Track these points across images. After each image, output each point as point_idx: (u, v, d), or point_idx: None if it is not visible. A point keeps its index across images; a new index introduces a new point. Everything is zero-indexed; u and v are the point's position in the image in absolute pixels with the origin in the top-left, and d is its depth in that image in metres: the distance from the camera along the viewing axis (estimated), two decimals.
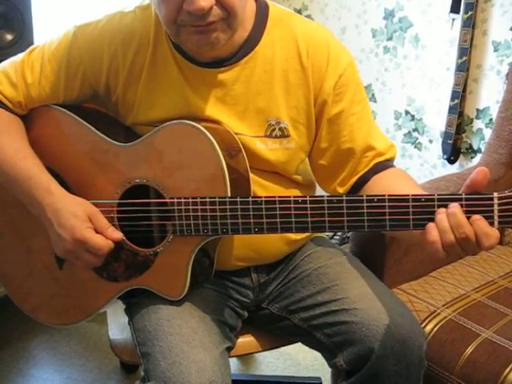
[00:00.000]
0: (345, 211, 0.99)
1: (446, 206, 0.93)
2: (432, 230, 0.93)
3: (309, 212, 1.01)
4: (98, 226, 1.08)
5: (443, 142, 2.28)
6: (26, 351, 2.04)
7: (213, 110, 1.13)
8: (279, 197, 1.02)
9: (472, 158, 2.25)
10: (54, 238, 1.10)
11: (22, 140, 1.17)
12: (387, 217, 0.97)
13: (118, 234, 1.09)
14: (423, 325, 1.33)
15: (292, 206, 1.01)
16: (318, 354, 1.24)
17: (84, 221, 1.07)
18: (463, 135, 2.25)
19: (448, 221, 0.92)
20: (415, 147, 2.44)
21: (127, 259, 1.14)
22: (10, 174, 1.13)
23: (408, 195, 0.96)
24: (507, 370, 1.19)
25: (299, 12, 2.69)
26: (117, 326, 1.35)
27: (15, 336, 2.10)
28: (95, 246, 1.06)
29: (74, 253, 1.08)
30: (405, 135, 2.46)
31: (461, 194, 0.93)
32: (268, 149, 1.16)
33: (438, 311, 1.37)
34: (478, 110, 2.19)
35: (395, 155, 1.24)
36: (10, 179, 1.13)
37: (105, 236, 1.07)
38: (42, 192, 1.10)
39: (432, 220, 0.94)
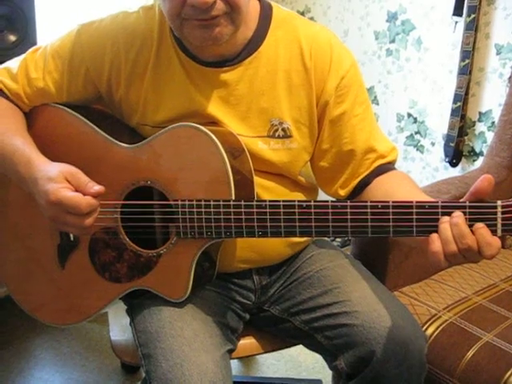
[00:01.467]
0: (349, 217, 0.99)
1: (449, 214, 0.93)
2: (435, 241, 0.93)
3: (313, 217, 1.01)
4: (76, 185, 1.02)
5: (445, 144, 2.28)
6: (27, 351, 2.04)
7: (216, 109, 1.14)
8: (283, 201, 1.02)
9: (474, 160, 2.25)
10: (41, 210, 1.06)
11: (15, 122, 1.17)
12: (391, 223, 0.97)
13: (98, 188, 1.02)
14: (424, 328, 1.33)
15: (296, 210, 1.01)
16: (319, 357, 1.24)
17: (59, 182, 1.01)
18: (465, 138, 2.25)
19: (451, 231, 0.91)
20: (417, 150, 2.44)
21: (130, 260, 1.14)
22: None
23: (412, 202, 0.96)
24: (508, 373, 1.19)
25: (302, 14, 2.70)
26: (118, 326, 1.35)
27: (16, 336, 2.10)
28: (71, 203, 0.99)
29: (57, 218, 1.02)
30: (407, 138, 2.46)
31: (465, 202, 0.93)
32: (270, 149, 1.16)
33: (439, 314, 1.37)
34: (480, 112, 2.19)
35: (397, 158, 1.24)
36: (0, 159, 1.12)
37: (84, 193, 1.01)
38: (24, 165, 1.07)
39: (435, 227, 0.94)
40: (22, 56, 1.21)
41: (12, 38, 1.80)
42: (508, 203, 0.90)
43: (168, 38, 1.14)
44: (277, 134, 1.16)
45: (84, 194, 1.01)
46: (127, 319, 1.24)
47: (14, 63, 1.21)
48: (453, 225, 0.92)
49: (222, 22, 1.02)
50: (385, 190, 1.15)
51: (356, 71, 1.19)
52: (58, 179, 1.01)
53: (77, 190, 1.02)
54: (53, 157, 1.12)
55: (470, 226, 0.91)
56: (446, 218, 0.93)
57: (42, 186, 1.02)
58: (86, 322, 1.24)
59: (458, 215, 0.92)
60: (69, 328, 2.12)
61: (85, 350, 2.05)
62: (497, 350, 1.25)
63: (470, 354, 1.25)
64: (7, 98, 1.19)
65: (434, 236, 0.93)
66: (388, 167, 1.21)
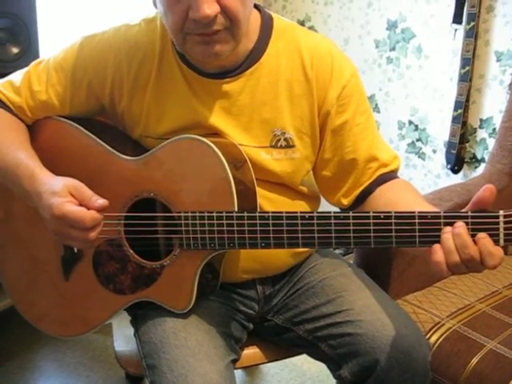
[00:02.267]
0: (351, 228, 0.99)
1: (452, 224, 0.93)
2: (438, 251, 0.93)
3: (315, 228, 1.01)
4: (81, 198, 1.03)
5: (447, 151, 2.28)
6: (31, 362, 2.04)
7: (218, 120, 1.15)
8: (286, 212, 1.03)
9: (476, 167, 2.25)
10: (46, 224, 1.07)
11: (19, 136, 1.17)
12: (393, 233, 0.97)
13: (102, 201, 1.03)
14: (428, 336, 1.33)
15: (299, 221, 1.02)
16: (322, 366, 1.24)
17: (63, 196, 1.01)
18: (467, 145, 2.26)
19: (453, 241, 0.92)
20: (419, 157, 2.44)
21: (134, 272, 1.15)
22: (2, 166, 1.12)
23: (414, 212, 0.96)
24: None
25: (302, 23, 2.71)
26: (122, 337, 1.35)
27: (21, 347, 2.10)
28: (75, 218, 1.00)
29: (61, 232, 1.03)
30: (408, 145, 2.47)
31: (467, 212, 0.93)
32: (273, 159, 1.17)
33: (443, 322, 1.38)
34: (481, 119, 2.20)
35: (399, 166, 1.24)
36: (2, 172, 1.13)
37: (88, 207, 1.02)
38: (28, 179, 1.08)
39: (438, 237, 0.94)
40: (25, 69, 1.22)
41: (14, 50, 1.81)
42: (510, 213, 0.90)
43: (170, 50, 1.15)
44: (279, 144, 1.17)
45: (88, 208, 1.02)
46: (131, 330, 1.24)
47: (17, 76, 1.21)
48: (455, 235, 0.92)
49: (223, 38, 1.03)
50: (387, 198, 1.16)
51: (357, 81, 1.20)
52: (62, 193, 1.02)
53: (81, 204, 1.02)
54: (56, 170, 1.12)
55: (473, 236, 0.91)
56: (448, 229, 0.93)
57: (46, 200, 1.03)
58: (90, 332, 1.24)
59: (460, 225, 0.92)
60: (73, 339, 2.11)
61: (89, 360, 2.05)
62: (501, 357, 1.25)
63: (474, 361, 1.25)
64: (10, 111, 1.20)
65: (437, 246, 0.93)
66: (390, 176, 1.21)
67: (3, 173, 1.13)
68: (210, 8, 0.98)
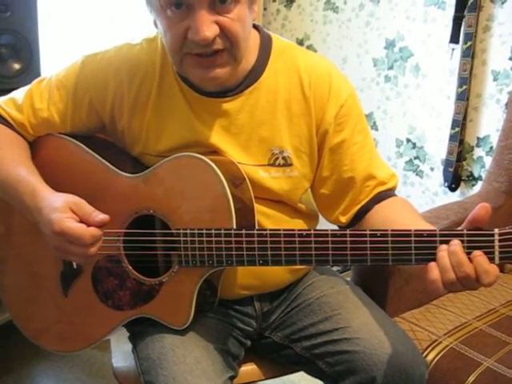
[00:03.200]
0: (348, 245, 1.00)
1: (447, 242, 0.94)
2: (433, 269, 0.93)
3: (313, 245, 1.02)
4: (81, 214, 1.03)
5: (444, 169, 2.29)
6: (29, 378, 2.03)
7: (217, 138, 1.16)
8: (284, 230, 1.04)
9: (473, 185, 2.26)
10: (46, 239, 1.08)
11: (21, 152, 1.18)
12: (390, 251, 0.98)
13: (102, 217, 1.03)
14: (425, 353, 1.33)
15: (297, 239, 1.03)
16: (320, 383, 1.24)
17: (63, 212, 1.02)
18: (464, 163, 2.27)
19: (449, 259, 0.92)
20: (417, 175, 2.46)
21: (132, 288, 1.15)
22: (3, 181, 1.13)
23: (410, 230, 0.97)
24: None
25: (301, 41, 2.74)
26: (120, 353, 1.35)
27: (18, 362, 2.09)
28: (74, 235, 1.00)
29: (61, 248, 1.04)
30: (406, 163, 2.48)
31: (462, 230, 0.94)
32: (271, 177, 1.18)
33: (440, 340, 1.38)
34: (478, 138, 2.21)
35: (397, 184, 1.25)
36: (4, 187, 1.14)
37: (88, 223, 1.03)
38: (29, 195, 1.09)
39: (434, 255, 0.95)
40: (28, 87, 1.23)
41: (16, 66, 1.83)
42: (505, 231, 0.91)
43: (170, 69, 1.16)
44: (277, 163, 1.18)
45: (88, 224, 1.03)
46: (129, 346, 1.24)
47: (19, 94, 1.22)
48: (451, 253, 0.93)
49: (223, 60, 1.05)
50: (385, 216, 1.17)
51: (355, 100, 1.21)
52: (62, 209, 1.03)
53: (81, 220, 1.03)
54: (56, 186, 1.13)
55: (468, 254, 0.92)
56: (443, 247, 0.94)
57: (46, 216, 1.04)
58: (88, 348, 1.24)
59: (455, 243, 0.93)
60: (70, 354, 2.11)
61: (86, 376, 2.04)
62: (498, 375, 1.25)
63: (471, 379, 1.25)
64: (12, 127, 1.21)
65: (432, 264, 0.94)
66: (388, 194, 1.22)
67: (4, 188, 1.14)
68: (209, 30, 1.00)
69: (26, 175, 1.12)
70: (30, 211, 1.09)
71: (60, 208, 1.03)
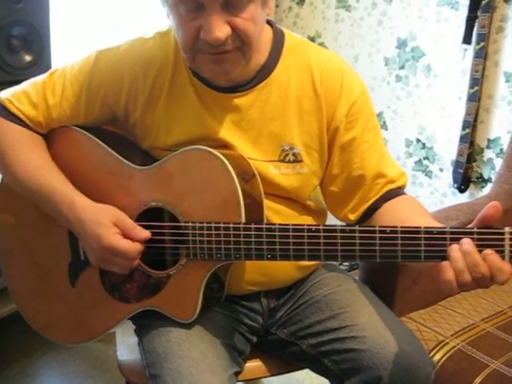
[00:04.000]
0: (357, 241, 1.00)
1: (457, 240, 0.93)
2: (448, 270, 0.92)
3: (322, 241, 1.02)
4: (124, 230, 1.09)
5: (454, 170, 2.28)
6: (33, 369, 2.04)
7: (228, 133, 1.15)
8: (293, 225, 1.03)
9: (482, 187, 2.25)
10: (85, 249, 1.13)
11: (44, 156, 1.19)
12: (399, 248, 0.97)
13: (145, 233, 1.10)
14: (431, 354, 1.33)
15: (305, 234, 1.02)
16: (325, 381, 1.23)
17: (109, 227, 1.08)
18: (474, 164, 2.26)
19: (464, 260, 0.92)
20: (426, 175, 2.45)
21: (140, 280, 1.15)
22: (35, 190, 1.15)
23: (420, 227, 0.97)
24: None
25: (313, 39, 2.73)
26: (125, 346, 1.35)
27: (22, 354, 2.10)
28: (122, 251, 1.07)
29: (106, 260, 1.09)
30: (415, 163, 2.47)
31: (472, 228, 0.93)
32: (281, 173, 1.17)
33: (447, 341, 1.37)
34: (489, 139, 2.20)
35: (406, 183, 1.25)
36: (37, 196, 1.16)
37: (131, 239, 1.08)
38: (67, 206, 1.12)
39: (443, 253, 0.94)
40: (40, 79, 1.21)
41: (28, 58, 1.83)
42: None
43: (182, 64, 1.16)
44: (287, 159, 1.17)
45: (132, 239, 1.08)
46: (134, 339, 1.24)
47: (31, 88, 1.20)
48: (465, 254, 0.92)
49: (234, 57, 1.05)
50: (394, 214, 1.16)
51: (366, 98, 1.21)
52: (108, 224, 1.08)
53: (124, 234, 1.09)
54: (68, 178, 1.15)
55: (479, 252, 0.91)
56: (455, 247, 0.93)
57: (92, 230, 1.08)
58: (93, 341, 1.24)
59: (468, 243, 0.92)
60: (75, 347, 2.11)
61: (91, 369, 2.05)
62: (504, 377, 1.24)
63: (478, 381, 1.24)
64: (27, 125, 1.20)
65: (446, 264, 0.93)
66: (398, 192, 1.21)
67: (38, 198, 1.16)
68: (221, 31, 1.00)
69: (60, 186, 1.14)
70: (69, 221, 1.12)
71: (106, 223, 1.08)
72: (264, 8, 1.07)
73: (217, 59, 1.05)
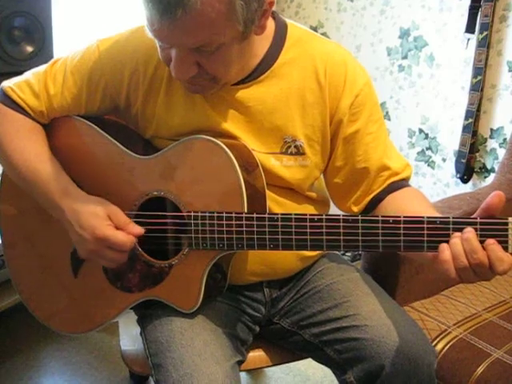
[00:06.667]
0: (360, 231, 1.00)
1: (460, 230, 0.93)
2: (445, 250, 0.93)
3: (324, 230, 1.02)
4: (119, 223, 1.09)
5: (456, 160, 2.28)
6: (36, 360, 2.05)
7: (230, 125, 1.15)
8: (295, 214, 1.03)
9: (485, 177, 2.25)
10: (75, 240, 1.12)
11: (43, 146, 1.19)
12: (402, 238, 0.97)
13: (139, 229, 1.10)
14: (434, 343, 1.33)
15: (308, 224, 1.02)
16: (327, 370, 1.24)
17: (104, 219, 1.08)
18: (477, 154, 2.25)
19: (462, 246, 0.92)
20: (428, 165, 2.44)
21: (142, 270, 1.15)
22: (29, 178, 1.15)
23: (423, 217, 0.96)
24: None
25: (315, 29, 2.72)
26: (128, 336, 1.36)
27: (26, 344, 2.11)
28: (118, 242, 1.07)
29: (98, 252, 1.09)
30: (418, 153, 2.47)
31: (475, 218, 0.93)
32: (283, 165, 1.17)
33: (449, 330, 1.37)
34: (491, 129, 2.20)
35: (411, 175, 1.24)
36: (30, 183, 1.15)
37: (126, 232, 1.08)
38: (60, 194, 1.11)
39: (446, 242, 0.94)
40: (42, 69, 1.21)
41: (29, 48, 1.83)
42: None
43: None
44: (289, 151, 1.17)
45: (127, 233, 1.08)
46: (137, 329, 1.24)
47: (33, 77, 1.20)
48: (464, 240, 0.92)
49: (206, 85, 1.08)
50: (397, 205, 1.16)
51: (370, 89, 1.20)
52: (102, 216, 1.08)
53: (117, 228, 1.08)
54: (68, 167, 1.14)
55: (481, 242, 0.91)
56: (457, 234, 0.93)
57: (86, 220, 1.08)
58: (95, 331, 1.25)
59: (468, 231, 0.92)
60: (78, 337, 2.12)
61: (94, 359, 2.06)
62: (507, 366, 1.24)
63: (480, 370, 1.25)
64: (28, 115, 1.19)
65: (444, 245, 0.94)
66: (402, 184, 1.21)
67: (32, 185, 1.15)
68: (186, 72, 1.02)
69: (56, 175, 1.14)
70: (62, 211, 1.11)
71: (100, 214, 1.08)
72: (244, 39, 1.02)
73: (188, 84, 1.07)
